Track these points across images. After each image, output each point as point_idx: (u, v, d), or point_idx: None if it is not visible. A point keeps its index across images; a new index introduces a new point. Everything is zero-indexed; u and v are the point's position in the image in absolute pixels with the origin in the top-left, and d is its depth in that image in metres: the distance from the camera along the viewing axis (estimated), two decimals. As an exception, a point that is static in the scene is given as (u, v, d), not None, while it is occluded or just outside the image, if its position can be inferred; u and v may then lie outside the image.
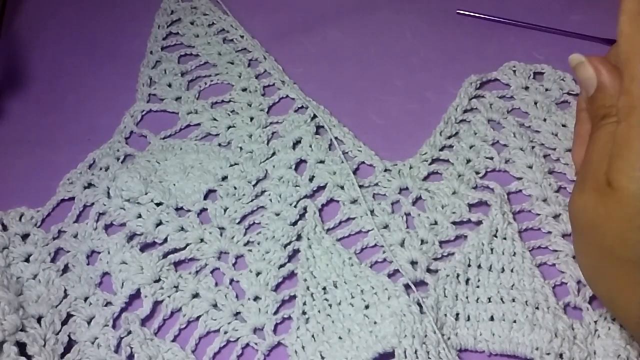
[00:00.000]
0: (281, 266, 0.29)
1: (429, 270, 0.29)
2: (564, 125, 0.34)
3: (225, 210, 0.31)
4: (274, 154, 0.33)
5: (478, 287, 0.28)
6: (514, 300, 0.27)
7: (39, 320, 0.27)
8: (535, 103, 0.35)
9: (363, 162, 0.33)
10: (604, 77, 0.25)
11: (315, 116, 0.35)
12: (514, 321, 0.27)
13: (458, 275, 0.28)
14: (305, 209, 0.31)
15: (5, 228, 0.30)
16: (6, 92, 0.37)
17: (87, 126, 0.35)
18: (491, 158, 0.33)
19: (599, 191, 0.22)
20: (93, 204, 0.31)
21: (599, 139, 0.23)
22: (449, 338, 0.26)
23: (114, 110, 0.36)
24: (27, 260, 0.29)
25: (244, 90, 0.37)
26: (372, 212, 0.31)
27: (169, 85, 0.37)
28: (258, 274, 0.29)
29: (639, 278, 0.21)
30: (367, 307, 0.27)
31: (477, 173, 0.32)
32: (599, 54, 0.38)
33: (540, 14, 0.41)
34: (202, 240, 0.30)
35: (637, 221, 0.21)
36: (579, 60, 0.25)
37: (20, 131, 0.35)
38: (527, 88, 0.36)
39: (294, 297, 0.28)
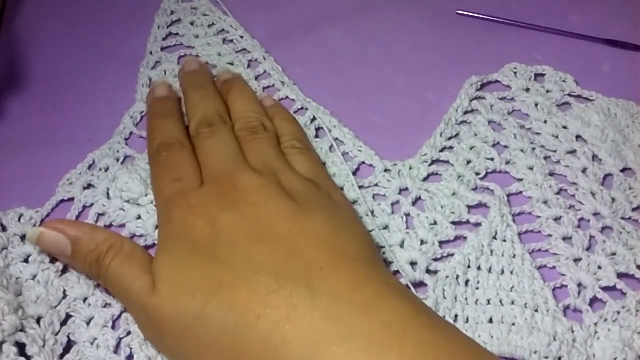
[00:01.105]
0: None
1: (428, 271, 0.29)
2: (564, 127, 0.34)
3: (224, 211, 0.31)
4: (273, 154, 0.33)
5: (477, 288, 0.28)
6: (513, 303, 0.27)
7: (38, 320, 0.27)
8: (536, 104, 0.35)
9: (363, 162, 0.33)
10: (71, 230, 0.27)
11: (315, 117, 0.35)
12: (513, 324, 0.27)
13: (457, 277, 0.28)
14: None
15: (4, 228, 0.30)
16: (6, 92, 0.37)
17: (87, 126, 0.35)
18: (491, 159, 0.33)
19: (146, 296, 0.24)
20: (92, 204, 0.31)
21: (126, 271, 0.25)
22: (448, 339, 0.26)
23: (114, 111, 0.36)
24: (26, 260, 0.29)
25: (244, 90, 0.36)
26: (372, 212, 0.31)
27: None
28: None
29: (223, 341, 0.22)
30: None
31: (477, 174, 0.32)
32: (600, 54, 0.38)
33: (540, 14, 0.41)
34: (201, 240, 0.30)
35: (178, 308, 0.23)
36: (37, 233, 0.27)
37: (20, 131, 0.35)
38: (527, 90, 0.36)
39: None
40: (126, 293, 0.25)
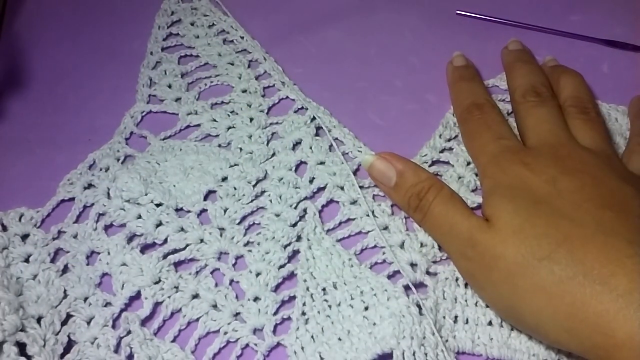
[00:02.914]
0: (281, 267, 0.29)
1: (428, 273, 0.29)
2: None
3: (225, 211, 0.31)
4: (273, 154, 0.33)
5: (477, 289, 0.28)
6: (512, 305, 0.27)
7: (38, 320, 0.27)
8: (536, 105, 0.35)
9: (363, 163, 0.33)
10: (399, 164, 0.30)
11: (315, 117, 0.35)
12: (512, 327, 0.27)
13: (457, 279, 0.28)
14: (305, 210, 0.31)
15: (5, 228, 0.30)
16: (6, 92, 0.37)
17: (88, 127, 0.35)
18: (491, 159, 0.33)
19: (480, 231, 0.26)
20: (93, 204, 0.31)
21: (448, 212, 0.28)
22: (447, 340, 0.27)
23: (114, 111, 0.36)
24: (26, 260, 0.29)
25: (244, 91, 0.37)
26: (372, 212, 0.31)
27: (169, 86, 0.37)
28: (258, 274, 0.29)
29: (561, 289, 0.23)
30: (366, 308, 0.27)
31: (478, 175, 0.32)
32: (599, 54, 0.38)
33: (540, 14, 0.41)
34: (202, 240, 0.30)
35: (523, 232, 0.24)
36: (371, 160, 0.30)
37: (20, 131, 0.35)
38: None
39: (294, 297, 0.28)
40: (451, 227, 0.27)
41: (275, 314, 0.28)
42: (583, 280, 0.22)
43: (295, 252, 0.30)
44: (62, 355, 0.26)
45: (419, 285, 0.28)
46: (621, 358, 0.21)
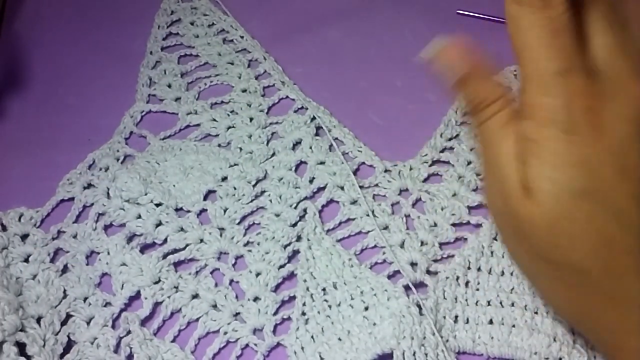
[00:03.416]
0: (281, 267, 0.29)
1: (428, 272, 0.29)
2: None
3: (225, 211, 0.31)
4: (273, 154, 0.33)
5: (477, 290, 0.28)
6: (513, 305, 0.27)
7: (38, 320, 0.27)
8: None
9: (363, 163, 0.33)
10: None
11: (315, 117, 0.35)
12: (513, 325, 0.27)
13: (458, 278, 0.28)
14: (305, 210, 0.31)
15: (4, 228, 0.30)
16: (6, 92, 0.37)
17: (88, 126, 0.35)
18: (491, 159, 0.33)
19: (516, 197, 0.21)
20: (93, 204, 0.31)
21: (498, 137, 0.22)
22: (447, 340, 0.26)
23: (114, 111, 0.36)
24: (26, 260, 0.29)
25: (244, 91, 0.37)
26: (372, 212, 0.31)
27: (169, 86, 0.37)
28: (258, 274, 0.29)
29: (569, 281, 0.21)
30: (366, 308, 0.27)
31: (478, 175, 0.32)
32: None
33: (541, 15, 0.41)
34: (201, 240, 0.30)
35: (561, 224, 0.20)
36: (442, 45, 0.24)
37: (20, 131, 0.35)
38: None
39: (294, 297, 0.28)
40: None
41: (275, 314, 0.28)
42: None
43: (295, 252, 0.30)
44: (62, 355, 0.26)
45: (419, 285, 0.28)
46: None
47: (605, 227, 0.20)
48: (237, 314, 0.28)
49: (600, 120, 0.20)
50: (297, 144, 0.34)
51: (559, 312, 0.23)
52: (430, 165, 0.33)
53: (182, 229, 0.30)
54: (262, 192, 0.32)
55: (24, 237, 0.30)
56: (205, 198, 0.32)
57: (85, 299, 0.28)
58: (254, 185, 0.32)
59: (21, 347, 0.26)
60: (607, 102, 0.20)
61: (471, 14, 0.41)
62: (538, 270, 0.22)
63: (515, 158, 0.21)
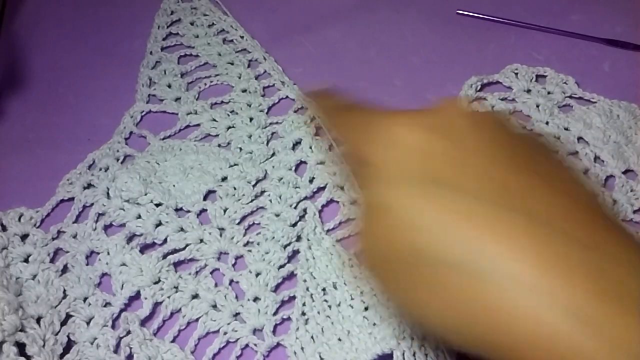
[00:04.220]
0: (281, 267, 0.29)
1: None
2: (566, 129, 0.34)
3: (225, 211, 0.31)
4: (273, 154, 0.33)
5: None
6: None
7: (38, 320, 0.27)
8: (537, 106, 0.35)
9: (363, 163, 0.33)
10: None
11: (314, 117, 0.35)
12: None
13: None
14: (305, 210, 0.31)
15: (4, 228, 0.30)
16: (6, 92, 0.37)
17: (88, 126, 0.35)
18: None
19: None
20: (92, 204, 0.31)
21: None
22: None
23: (114, 111, 0.36)
24: (26, 260, 0.29)
25: (244, 91, 0.37)
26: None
27: (169, 86, 0.37)
28: (258, 274, 0.29)
29: (443, 280, 0.18)
30: (366, 308, 0.27)
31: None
32: (600, 54, 0.38)
33: (540, 14, 0.41)
34: (201, 240, 0.30)
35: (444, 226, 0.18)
36: None
37: (20, 131, 0.35)
38: (529, 91, 0.36)
39: (294, 298, 0.28)
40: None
41: (275, 314, 0.28)
42: (481, 273, 0.17)
43: (295, 252, 0.30)
44: (62, 356, 0.26)
45: (419, 285, 0.28)
46: (521, 357, 0.17)
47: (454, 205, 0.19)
48: (237, 314, 0.28)
49: None
50: (297, 144, 0.34)
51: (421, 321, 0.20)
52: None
53: (182, 229, 0.30)
54: (262, 192, 0.32)
55: (24, 237, 0.30)
56: (205, 198, 0.32)
57: (85, 299, 0.28)
58: (253, 185, 0.32)
59: (21, 347, 0.26)
60: None
61: (471, 14, 0.41)
62: (405, 271, 0.20)
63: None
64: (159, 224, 0.30)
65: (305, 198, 0.31)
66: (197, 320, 0.28)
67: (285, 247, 0.29)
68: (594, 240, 0.17)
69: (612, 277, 0.16)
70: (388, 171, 0.20)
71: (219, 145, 0.34)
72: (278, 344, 0.27)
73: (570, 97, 0.36)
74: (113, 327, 0.27)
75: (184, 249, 0.30)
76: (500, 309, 0.17)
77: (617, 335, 0.15)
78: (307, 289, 0.28)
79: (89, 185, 0.32)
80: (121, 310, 0.28)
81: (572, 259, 0.17)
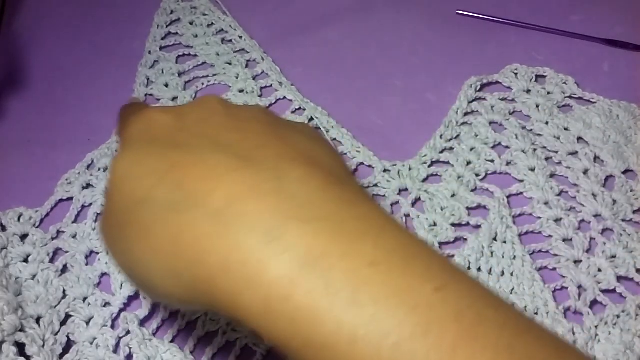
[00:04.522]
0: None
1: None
2: (566, 129, 0.34)
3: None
4: (273, 154, 0.33)
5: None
6: (513, 306, 0.27)
7: (37, 320, 0.27)
8: (537, 106, 0.35)
9: (362, 163, 0.33)
10: None
11: (312, 118, 0.35)
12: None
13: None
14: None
15: (4, 228, 0.30)
16: (6, 92, 0.37)
17: (88, 126, 0.35)
18: (492, 161, 0.33)
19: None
20: (91, 204, 0.31)
21: None
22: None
23: (114, 111, 0.35)
24: (25, 260, 0.29)
25: (241, 91, 0.36)
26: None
27: (166, 85, 0.37)
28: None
29: (152, 220, 0.19)
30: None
31: (477, 175, 0.32)
32: (600, 54, 0.38)
33: (540, 14, 0.41)
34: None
35: (123, 195, 0.20)
36: None
37: (20, 131, 0.35)
38: (528, 91, 0.36)
39: (293, 298, 0.28)
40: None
41: (274, 314, 0.28)
42: (182, 207, 0.18)
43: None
44: (61, 356, 0.26)
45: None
46: (220, 287, 0.17)
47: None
48: (236, 314, 0.28)
49: None
50: (296, 144, 0.34)
51: (157, 282, 0.19)
52: (429, 166, 0.33)
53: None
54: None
55: (23, 237, 0.30)
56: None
57: (84, 299, 0.28)
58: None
59: (20, 347, 0.26)
60: None
61: (471, 14, 0.41)
62: (127, 244, 0.20)
63: None
64: (159, 224, 0.30)
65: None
66: (196, 320, 0.28)
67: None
68: (297, 173, 0.18)
69: (297, 199, 0.17)
70: (126, 140, 0.22)
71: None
72: (277, 344, 0.27)
73: (570, 97, 0.36)
74: (112, 327, 0.27)
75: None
76: (202, 237, 0.17)
77: (291, 242, 0.16)
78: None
79: (88, 185, 0.32)
80: (120, 310, 0.28)
81: (264, 188, 0.18)
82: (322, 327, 0.15)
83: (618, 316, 0.27)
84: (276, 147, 0.20)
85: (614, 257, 0.29)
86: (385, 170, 0.32)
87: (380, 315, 0.15)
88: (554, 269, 0.29)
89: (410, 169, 0.32)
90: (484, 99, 0.36)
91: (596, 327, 0.27)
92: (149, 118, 0.22)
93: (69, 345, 0.27)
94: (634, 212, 0.31)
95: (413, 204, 0.31)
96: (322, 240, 0.16)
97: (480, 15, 0.41)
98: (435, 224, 0.30)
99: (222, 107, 0.22)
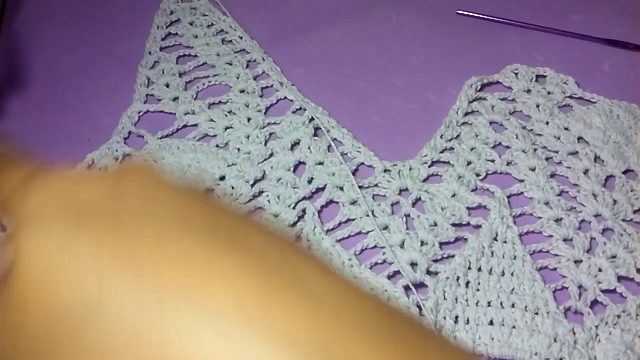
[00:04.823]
0: (280, 267, 0.29)
1: (428, 272, 0.29)
2: (566, 129, 0.34)
3: (224, 211, 0.31)
4: (271, 154, 0.33)
5: (478, 290, 0.28)
6: (513, 306, 0.27)
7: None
8: (537, 106, 0.35)
9: (362, 163, 0.33)
10: None
11: (313, 118, 0.35)
12: (513, 327, 0.27)
13: (458, 278, 0.28)
14: (304, 210, 0.31)
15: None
16: (6, 92, 0.37)
17: (88, 126, 0.35)
18: (492, 161, 0.33)
19: None
20: (92, 204, 0.31)
21: None
22: (447, 340, 0.26)
23: (114, 111, 0.36)
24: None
25: (242, 91, 0.36)
26: (372, 212, 0.31)
27: (167, 86, 0.37)
28: (257, 275, 0.29)
29: None
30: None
31: (478, 175, 0.32)
32: (600, 54, 0.38)
33: (540, 14, 0.41)
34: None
35: None
36: None
37: (20, 131, 0.35)
38: (529, 91, 0.36)
39: (293, 298, 0.28)
40: None
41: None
42: None
43: (295, 253, 0.29)
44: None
45: (420, 285, 0.28)
46: None
47: None
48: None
49: None
50: (295, 144, 0.34)
51: None
52: (430, 166, 0.33)
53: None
54: (260, 193, 0.32)
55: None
56: (204, 198, 0.31)
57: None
58: (252, 185, 0.32)
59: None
60: None
61: (471, 14, 0.41)
62: None
63: None
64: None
65: (304, 198, 0.31)
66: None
67: (284, 247, 0.29)
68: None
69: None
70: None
71: (217, 146, 0.34)
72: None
73: (570, 97, 0.36)
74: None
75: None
76: None
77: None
78: (307, 289, 0.28)
79: (88, 186, 0.32)
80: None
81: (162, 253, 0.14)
82: None
83: (618, 316, 0.27)
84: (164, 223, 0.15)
85: (614, 257, 0.29)
86: (385, 170, 0.32)
87: None
88: (555, 268, 0.29)
89: (410, 168, 0.32)
90: (485, 98, 0.36)
91: (597, 327, 0.27)
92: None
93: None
94: (635, 212, 0.31)
95: (413, 204, 0.31)
96: None
97: (480, 15, 0.41)
98: (435, 224, 0.30)
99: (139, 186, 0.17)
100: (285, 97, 0.36)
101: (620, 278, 0.28)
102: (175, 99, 0.36)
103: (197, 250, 0.14)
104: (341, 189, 0.32)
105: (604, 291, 0.28)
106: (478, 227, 0.30)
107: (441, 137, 0.34)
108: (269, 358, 0.13)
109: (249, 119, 0.35)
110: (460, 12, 0.41)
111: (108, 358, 0.13)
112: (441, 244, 0.30)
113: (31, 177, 0.16)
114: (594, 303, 0.28)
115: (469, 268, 0.28)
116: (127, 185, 0.17)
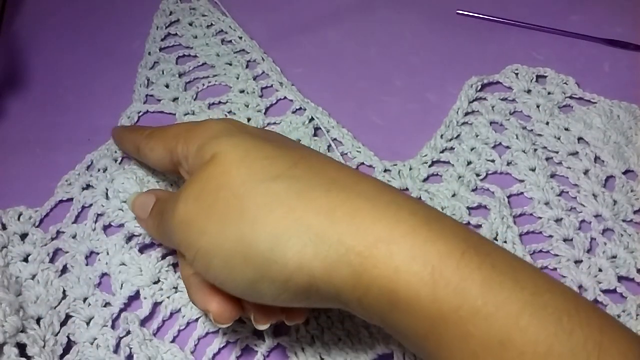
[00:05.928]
0: (280, 267, 0.29)
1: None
2: (566, 129, 0.34)
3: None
4: (273, 154, 0.33)
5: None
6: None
7: (37, 321, 0.27)
8: (538, 106, 0.35)
9: (362, 163, 0.33)
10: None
11: (313, 118, 0.35)
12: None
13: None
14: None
15: (4, 227, 0.30)
16: (6, 92, 0.37)
17: (87, 127, 0.35)
18: (492, 161, 0.33)
19: (204, 168, 0.23)
20: (92, 205, 0.31)
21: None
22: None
23: (114, 111, 0.36)
24: (25, 260, 0.29)
25: (242, 91, 0.36)
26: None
27: (167, 86, 0.37)
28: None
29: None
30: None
31: (478, 175, 0.32)
32: (600, 54, 0.38)
33: (540, 14, 0.41)
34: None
35: (249, 170, 0.21)
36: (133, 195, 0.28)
37: (20, 131, 0.35)
38: (529, 91, 0.36)
39: (293, 298, 0.28)
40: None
41: (274, 314, 0.28)
42: (329, 187, 0.20)
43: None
44: (62, 356, 0.26)
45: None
46: (379, 258, 0.19)
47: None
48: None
49: None
50: (296, 144, 0.34)
51: (287, 250, 0.20)
52: (430, 166, 0.33)
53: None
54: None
55: (23, 236, 0.30)
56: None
57: (84, 299, 0.28)
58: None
59: (21, 348, 0.26)
60: None
61: (471, 14, 0.41)
62: (246, 213, 0.21)
63: None
64: (159, 224, 0.30)
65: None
66: (196, 320, 0.28)
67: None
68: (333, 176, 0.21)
69: (346, 205, 0.20)
70: (226, 131, 0.24)
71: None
72: (278, 344, 0.27)
73: (571, 97, 0.36)
74: (113, 327, 0.27)
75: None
76: (359, 211, 0.20)
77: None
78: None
79: (88, 186, 0.32)
80: (121, 310, 0.28)
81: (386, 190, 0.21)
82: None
83: (619, 316, 0.27)
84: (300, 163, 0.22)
85: (614, 257, 0.29)
86: (385, 170, 0.32)
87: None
88: (555, 269, 0.29)
89: (410, 168, 0.33)
90: (485, 99, 0.36)
91: (597, 327, 0.27)
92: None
93: (69, 345, 0.27)
94: (635, 212, 0.31)
95: (413, 204, 0.31)
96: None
97: (480, 15, 0.41)
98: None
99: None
100: (285, 97, 0.36)
101: (620, 278, 0.29)
102: (175, 99, 0.36)
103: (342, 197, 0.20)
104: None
105: (604, 291, 0.28)
106: (478, 227, 0.30)
107: (441, 137, 0.34)
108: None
109: (249, 119, 0.35)
110: (460, 12, 0.41)
111: (293, 205, 0.20)
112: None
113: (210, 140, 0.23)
114: (594, 303, 0.28)
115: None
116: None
